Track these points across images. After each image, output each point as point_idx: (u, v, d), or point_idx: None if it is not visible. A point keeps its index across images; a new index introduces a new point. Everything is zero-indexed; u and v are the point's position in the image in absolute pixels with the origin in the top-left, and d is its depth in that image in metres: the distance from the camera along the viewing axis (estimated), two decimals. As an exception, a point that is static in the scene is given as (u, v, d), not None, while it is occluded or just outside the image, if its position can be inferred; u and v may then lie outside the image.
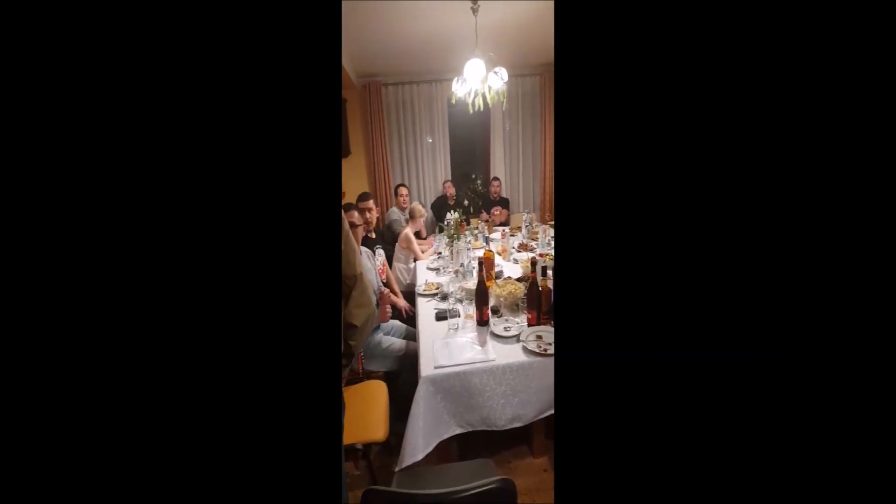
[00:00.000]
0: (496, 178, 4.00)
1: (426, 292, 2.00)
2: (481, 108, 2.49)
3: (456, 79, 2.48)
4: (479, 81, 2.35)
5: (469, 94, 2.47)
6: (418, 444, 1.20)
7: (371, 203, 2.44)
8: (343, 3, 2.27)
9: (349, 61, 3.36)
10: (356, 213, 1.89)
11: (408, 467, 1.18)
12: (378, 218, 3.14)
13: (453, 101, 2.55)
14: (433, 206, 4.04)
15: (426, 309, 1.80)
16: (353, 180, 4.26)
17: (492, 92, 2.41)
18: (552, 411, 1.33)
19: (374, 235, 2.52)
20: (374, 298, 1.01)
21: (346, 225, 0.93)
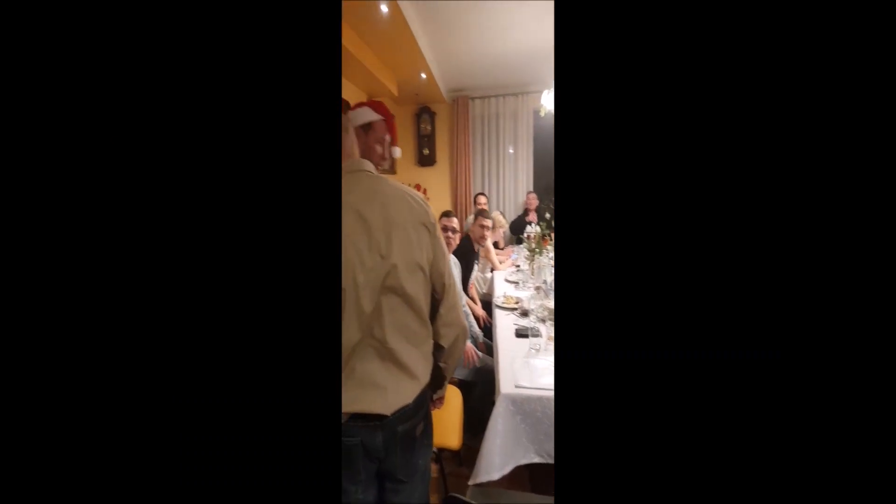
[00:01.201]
0: (582, 192, 3.83)
1: (505, 305, 1.99)
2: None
3: (546, 91, 2.46)
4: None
5: (560, 107, 2.42)
6: (494, 461, 1.19)
7: (489, 222, 2.38)
8: (436, 20, 2.40)
9: (441, 77, 3.51)
10: (455, 220, 1.96)
11: (481, 484, 1.19)
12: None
13: (542, 114, 2.53)
14: (512, 227, 3.99)
15: (504, 323, 1.80)
16: (437, 188, 4.44)
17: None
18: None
19: (477, 249, 2.52)
20: (464, 315, 0.94)
21: (439, 229, 0.88)
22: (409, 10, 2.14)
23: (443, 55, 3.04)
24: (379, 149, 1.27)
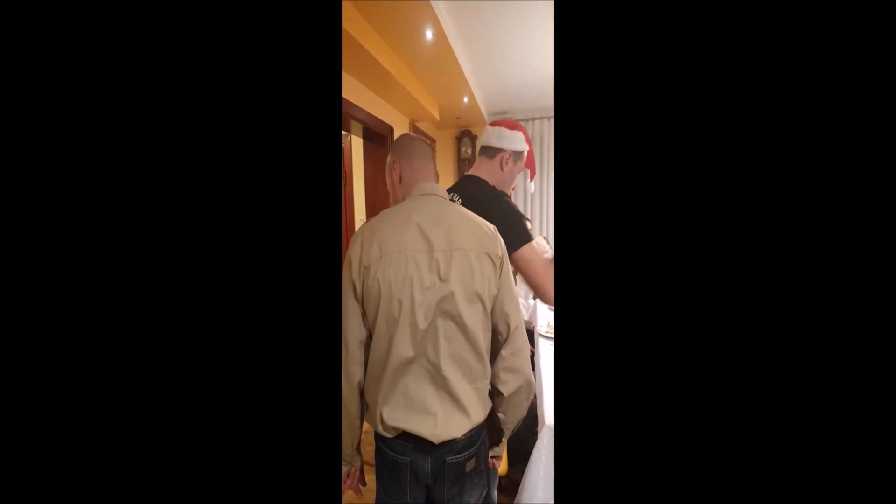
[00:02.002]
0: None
1: (549, 335, 1.87)
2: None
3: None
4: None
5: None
6: (537, 493, 1.10)
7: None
8: (480, 43, 2.42)
9: (483, 100, 3.54)
10: None
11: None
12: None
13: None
14: None
15: (549, 352, 1.68)
16: (476, 212, 4.41)
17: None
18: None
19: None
20: (530, 365, 0.83)
21: (508, 266, 0.81)
22: (452, 34, 2.18)
23: (486, 78, 3.06)
24: (517, 178, 1.26)
